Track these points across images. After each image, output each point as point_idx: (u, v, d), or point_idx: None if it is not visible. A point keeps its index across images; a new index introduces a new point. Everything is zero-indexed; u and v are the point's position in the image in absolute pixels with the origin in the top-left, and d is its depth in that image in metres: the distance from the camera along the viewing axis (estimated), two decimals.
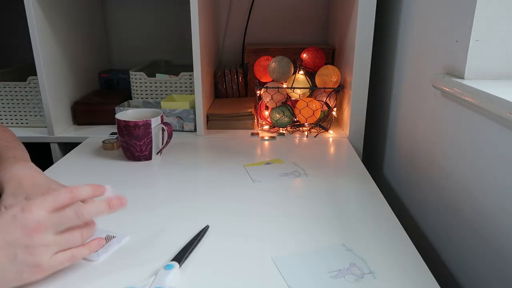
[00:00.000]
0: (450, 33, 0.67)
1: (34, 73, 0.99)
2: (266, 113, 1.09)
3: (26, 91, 1.08)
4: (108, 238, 0.57)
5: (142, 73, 1.13)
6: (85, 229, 0.49)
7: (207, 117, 1.05)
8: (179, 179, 0.77)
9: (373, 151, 1.11)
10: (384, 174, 1.02)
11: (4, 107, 1.10)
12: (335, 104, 1.06)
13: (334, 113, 1.08)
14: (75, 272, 0.50)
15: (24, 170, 0.61)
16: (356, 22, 0.92)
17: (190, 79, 1.12)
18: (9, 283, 0.44)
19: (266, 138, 1.01)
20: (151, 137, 0.83)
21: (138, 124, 0.81)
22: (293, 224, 0.61)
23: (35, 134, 1.04)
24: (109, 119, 1.08)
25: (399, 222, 0.61)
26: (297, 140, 0.99)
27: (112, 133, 1.04)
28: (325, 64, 1.07)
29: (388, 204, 0.67)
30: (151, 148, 0.85)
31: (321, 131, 1.05)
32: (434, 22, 0.73)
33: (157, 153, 0.87)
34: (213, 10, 1.23)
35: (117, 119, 0.83)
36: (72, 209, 0.47)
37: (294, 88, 1.02)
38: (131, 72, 1.13)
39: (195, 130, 1.03)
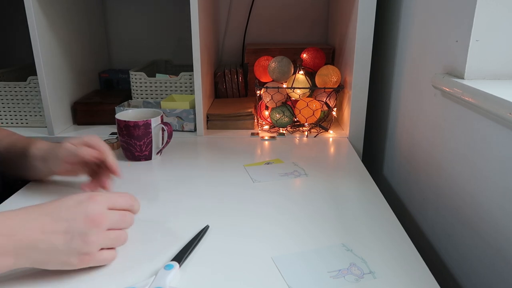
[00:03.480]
0: (450, 33, 0.67)
1: (34, 73, 0.99)
2: (266, 113, 1.09)
3: (26, 91, 1.08)
4: None
5: (142, 73, 1.13)
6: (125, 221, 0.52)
7: (207, 117, 1.06)
8: (179, 179, 0.77)
9: (373, 151, 1.11)
10: (384, 174, 1.02)
11: (4, 107, 1.10)
12: (335, 104, 1.06)
13: (334, 113, 1.08)
14: (75, 272, 0.50)
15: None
16: (356, 22, 0.92)
17: (190, 79, 1.12)
18: (57, 263, 0.47)
19: (266, 138, 1.01)
20: (151, 137, 0.83)
21: (138, 124, 0.81)
22: (293, 224, 0.61)
23: (35, 134, 1.04)
24: (109, 119, 1.08)
25: (399, 222, 0.61)
26: (297, 140, 0.99)
27: (112, 133, 1.04)
28: (325, 64, 1.07)
29: (388, 204, 0.67)
30: (151, 148, 0.85)
31: (321, 131, 1.05)
32: (434, 22, 0.73)
33: (157, 153, 0.87)
34: (213, 10, 1.23)
35: (117, 119, 0.83)
36: (124, 214, 0.52)
37: (294, 88, 1.02)
38: (131, 72, 1.13)
39: (195, 130, 1.03)
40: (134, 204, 0.54)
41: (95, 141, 0.68)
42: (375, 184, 0.75)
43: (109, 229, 0.49)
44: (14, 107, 1.09)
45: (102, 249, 0.49)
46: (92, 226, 0.47)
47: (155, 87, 1.14)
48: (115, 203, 0.51)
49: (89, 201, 0.49)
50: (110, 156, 0.67)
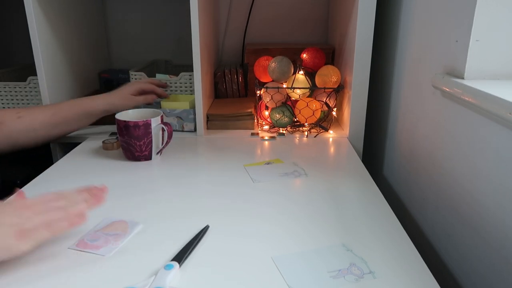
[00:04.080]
0: (450, 33, 0.67)
1: (34, 73, 0.99)
2: (266, 113, 1.09)
3: (26, 91, 1.08)
4: (123, 227, 0.60)
5: (142, 73, 1.13)
6: (71, 208, 0.54)
7: (207, 117, 1.05)
8: (179, 179, 0.77)
9: (373, 151, 1.11)
10: (384, 174, 1.02)
11: (4, 107, 1.09)
12: (335, 104, 1.06)
13: (334, 113, 1.08)
14: (75, 272, 0.50)
15: None
16: (356, 22, 0.92)
17: (190, 79, 1.12)
18: None
19: (266, 138, 1.01)
20: (151, 137, 0.83)
21: (138, 124, 0.81)
22: (293, 224, 0.61)
23: None
24: (109, 119, 1.08)
25: (399, 222, 0.61)
26: (297, 140, 0.99)
27: (112, 133, 1.04)
28: (325, 64, 1.07)
29: (388, 204, 0.67)
30: (151, 148, 0.85)
31: (321, 131, 1.05)
32: (434, 22, 0.73)
33: (157, 153, 0.87)
34: (213, 10, 1.23)
35: (117, 119, 0.83)
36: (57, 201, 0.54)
37: (294, 88, 1.02)
38: (131, 72, 1.13)
39: (195, 130, 1.03)
40: (84, 207, 0.55)
41: (144, 87, 1.00)
42: (375, 184, 0.75)
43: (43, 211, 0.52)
44: (14, 107, 1.09)
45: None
46: (21, 210, 0.51)
47: None
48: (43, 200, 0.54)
49: (16, 201, 0.54)
50: (159, 91, 1.03)
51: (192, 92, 1.13)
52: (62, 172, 0.80)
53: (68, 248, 0.55)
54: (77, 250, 0.55)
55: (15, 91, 1.08)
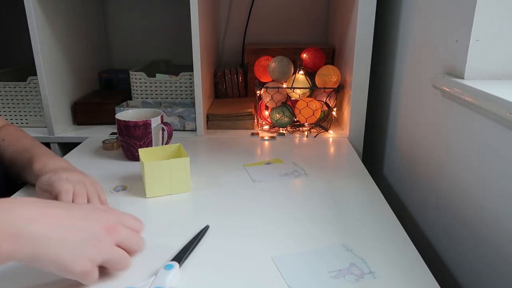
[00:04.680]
0: (450, 33, 0.67)
1: (34, 73, 0.99)
2: (266, 113, 1.09)
3: (26, 91, 1.08)
4: None
5: (142, 73, 1.13)
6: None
7: (207, 117, 1.05)
8: None
9: (373, 151, 1.11)
10: (384, 174, 1.02)
11: (4, 107, 1.10)
12: (335, 104, 1.06)
13: (334, 113, 1.08)
14: None
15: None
16: (356, 22, 0.92)
17: (190, 79, 1.12)
18: (56, 263, 0.43)
19: (266, 138, 1.01)
20: (151, 137, 0.83)
21: (138, 124, 0.81)
22: (293, 224, 0.61)
23: (35, 134, 1.04)
24: (109, 119, 1.08)
25: (399, 222, 0.61)
26: (297, 140, 0.99)
27: (112, 133, 1.04)
28: (325, 64, 1.07)
29: (388, 204, 0.67)
30: None
31: (321, 131, 1.05)
32: (434, 22, 0.73)
33: None
34: (213, 10, 1.23)
35: (117, 119, 0.83)
36: (135, 234, 0.50)
37: (294, 88, 1.02)
38: (131, 72, 1.13)
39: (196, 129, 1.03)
40: (141, 228, 0.52)
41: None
42: (375, 184, 0.75)
43: (117, 245, 0.47)
44: (14, 107, 1.09)
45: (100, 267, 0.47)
46: (105, 233, 0.46)
47: (155, 87, 1.14)
48: (126, 221, 0.51)
49: (105, 211, 0.49)
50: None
51: (192, 92, 1.13)
52: None
53: None
54: None
55: (15, 91, 1.08)
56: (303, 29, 1.37)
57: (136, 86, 1.14)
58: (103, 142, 0.93)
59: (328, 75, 1.01)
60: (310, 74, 1.06)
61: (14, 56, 1.41)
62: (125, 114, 0.87)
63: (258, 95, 1.06)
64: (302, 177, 0.78)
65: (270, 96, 1.02)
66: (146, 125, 0.82)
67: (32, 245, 0.42)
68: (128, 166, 0.83)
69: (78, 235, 0.44)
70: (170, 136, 0.85)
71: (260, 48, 1.22)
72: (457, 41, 0.64)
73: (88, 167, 0.83)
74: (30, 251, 0.42)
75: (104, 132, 1.05)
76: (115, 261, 0.47)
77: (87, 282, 0.46)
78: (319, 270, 0.50)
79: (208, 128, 1.06)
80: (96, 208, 0.50)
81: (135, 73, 1.13)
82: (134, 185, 0.74)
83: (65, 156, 0.89)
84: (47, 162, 0.66)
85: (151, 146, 0.84)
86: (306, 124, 1.06)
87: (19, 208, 0.43)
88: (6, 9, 1.37)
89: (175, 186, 0.70)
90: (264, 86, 1.04)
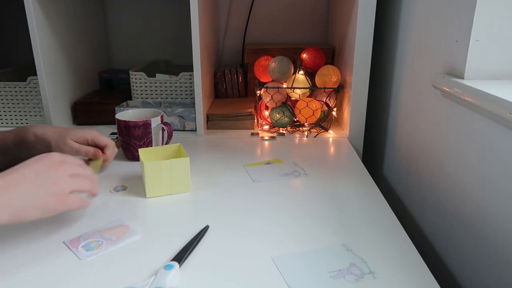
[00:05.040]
0: (450, 33, 0.67)
1: (34, 73, 0.99)
2: (266, 113, 1.09)
3: (26, 91, 1.08)
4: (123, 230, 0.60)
5: (142, 73, 1.13)
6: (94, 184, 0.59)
7: (207, 117, 1.06)
8: None
9: (373, 151, 1.11)
10: (384, 174, 1.02)
11: (4, 107, 1.10)
12: (335, 104, 1.06)
13: (334, 113, 1.08)
14: (75, 271, 0.50)
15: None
16: (356, 22, 0.92)
17: (190, 79, 1.12)
18: (36, 210, 0.51)
19: (266, 138, 1.01)
20: (151, 137, 0.83)
21: (138, 124, 0.81)
22: (293, 224, 0.61)
23: None
24: (109, 119, 1.08)
25: (399, 222, 0.61)
26: (297, 140, 0.99)
27: (112, 133, 1.04)
28: (325, 64, 1.07)
29: (388, 204, 0.67)
30: None
31: (321, 131, 1.05)
32: (434, 22, 0.73)
33: None
34: (213, 10, 1.23)
35: (117, 119, 0.83)
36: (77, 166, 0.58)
37: (294, 88, 1.02)
38: (131, 72, 1.13)
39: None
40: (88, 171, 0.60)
41: (98, 138, 0.77)
42: (375, 184, 0.75)
43: (74, 175, 0.56)
44: (14, 107, 1.09)
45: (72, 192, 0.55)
46: (57, 169, 0.54)
47: (155, 87, 1.14)
48: (72, 168, 0.57)
49: (50, 154, 0.56)
50: (110, 151, 0.78)
51: (192, 92, 1.13)
52: None
53: (63, 242, 0.56)
54: (67, 247, 0.55)
55: (15, 91, 1.08)
56: (303, 29, 1.37)
57: (136, 86, 1.14)
58: None
59: (328, 75, 1.01)
60: (310, 74, 1.06)
61: (14, 56, 1.41)
62: (125, 114, 0.87)
63: (258, 95, 1.06)
64: (302, 177, 0.78)
65: (270, 96, 1.02)
66: (146, 125, 0.82)
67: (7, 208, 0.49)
68: (128, 166, 0.83)
69: (33, 183, 0.51)
70: (170, 136, 0.85)
71: (260, 48, 1.22)
72: (457, 41, 0.64)
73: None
74: (10, 211, 0.49)
75: (104, 132, 1.04)
76: (78, 185, 0.56)
77: (74, 206, 0.55)
78: (319, 270, 0.50)
79: (208, 128, 1.06)
80: (41, 155, 0.56)
81: (135, 73, 1.13)
82: (134, 185, 0.74)
83: None
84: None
85: (151, 146, 0.84)
86: (306, 124, 1.06)
87: None
88: (6, 9, 1.37)
89: (175, 186, 0.70)
90: (264, 86, 1.04)
